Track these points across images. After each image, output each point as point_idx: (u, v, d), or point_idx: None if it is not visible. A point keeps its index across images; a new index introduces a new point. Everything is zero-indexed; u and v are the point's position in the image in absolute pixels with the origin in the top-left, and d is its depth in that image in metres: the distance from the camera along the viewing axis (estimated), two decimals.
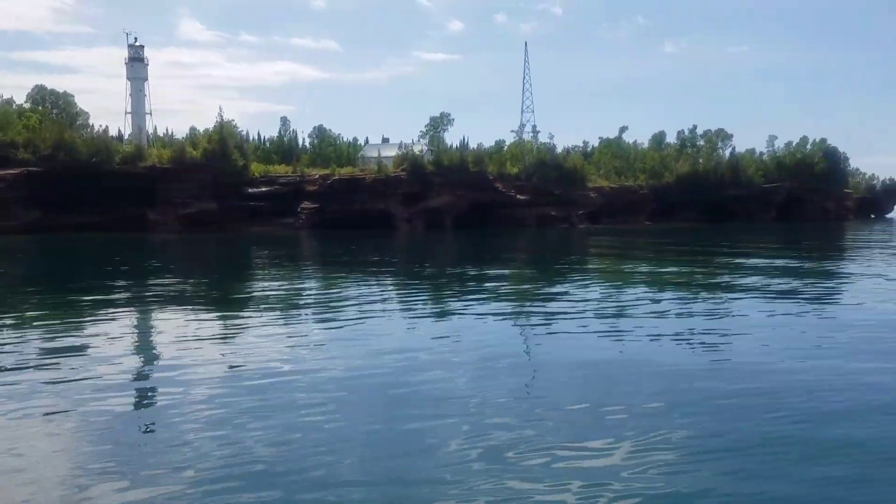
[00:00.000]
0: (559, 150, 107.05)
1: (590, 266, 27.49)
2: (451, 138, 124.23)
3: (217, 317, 14.20)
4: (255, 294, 18.39)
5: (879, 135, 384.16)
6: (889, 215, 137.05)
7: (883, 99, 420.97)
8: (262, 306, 15.58)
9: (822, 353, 10.07)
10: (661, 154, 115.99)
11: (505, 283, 21.23)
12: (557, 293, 17.88)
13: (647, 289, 18.78)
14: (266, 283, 21.34)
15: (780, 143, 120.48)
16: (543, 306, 15.35)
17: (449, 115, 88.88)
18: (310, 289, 19.59)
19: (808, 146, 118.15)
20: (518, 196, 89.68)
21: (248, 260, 33.26)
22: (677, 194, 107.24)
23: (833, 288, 19.12)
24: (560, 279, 21.81)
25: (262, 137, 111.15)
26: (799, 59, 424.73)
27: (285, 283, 21.22)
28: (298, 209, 78.39)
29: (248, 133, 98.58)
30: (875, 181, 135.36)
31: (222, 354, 10.12)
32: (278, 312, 14.64)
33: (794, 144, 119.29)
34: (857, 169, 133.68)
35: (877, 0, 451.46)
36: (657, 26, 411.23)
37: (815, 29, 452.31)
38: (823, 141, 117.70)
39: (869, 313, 13.99)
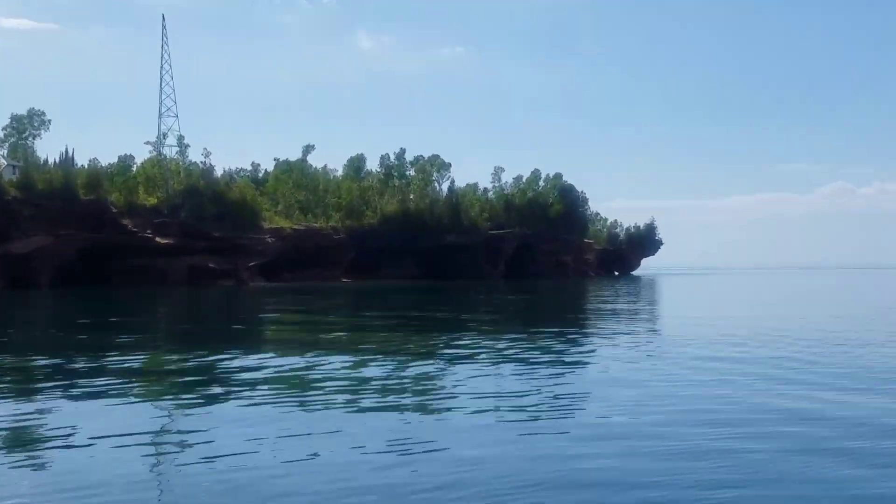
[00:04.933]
0: (219, 173, 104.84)
1: (266, 355, 23.87)
2: (47, 150, 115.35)
3: None
4: None
5: (619, 172, 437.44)
6: (635, 272, 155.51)
7: (619, 128, 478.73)
8: None
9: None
10: (360, 186, 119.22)
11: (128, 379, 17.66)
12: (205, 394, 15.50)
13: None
14: None
15: (507, 177, 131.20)
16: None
17: (43, 113, 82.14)
18: None
19: (541, 182, 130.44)
20: (158, 239, 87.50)
21: None
22: (384, 241, 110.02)
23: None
24: (216, 377, 18.57)
25: None
26: (528, 71, 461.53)
27: None
28: None
29: None
30: (618, 229, 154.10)
31: None
32: None
33: (524, 179, 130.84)
34: (598, 213, 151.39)
35: (598, 20, 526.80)
36: (351, 12, 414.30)
37: (544, 41, 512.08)
38: (559, 176, 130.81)
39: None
